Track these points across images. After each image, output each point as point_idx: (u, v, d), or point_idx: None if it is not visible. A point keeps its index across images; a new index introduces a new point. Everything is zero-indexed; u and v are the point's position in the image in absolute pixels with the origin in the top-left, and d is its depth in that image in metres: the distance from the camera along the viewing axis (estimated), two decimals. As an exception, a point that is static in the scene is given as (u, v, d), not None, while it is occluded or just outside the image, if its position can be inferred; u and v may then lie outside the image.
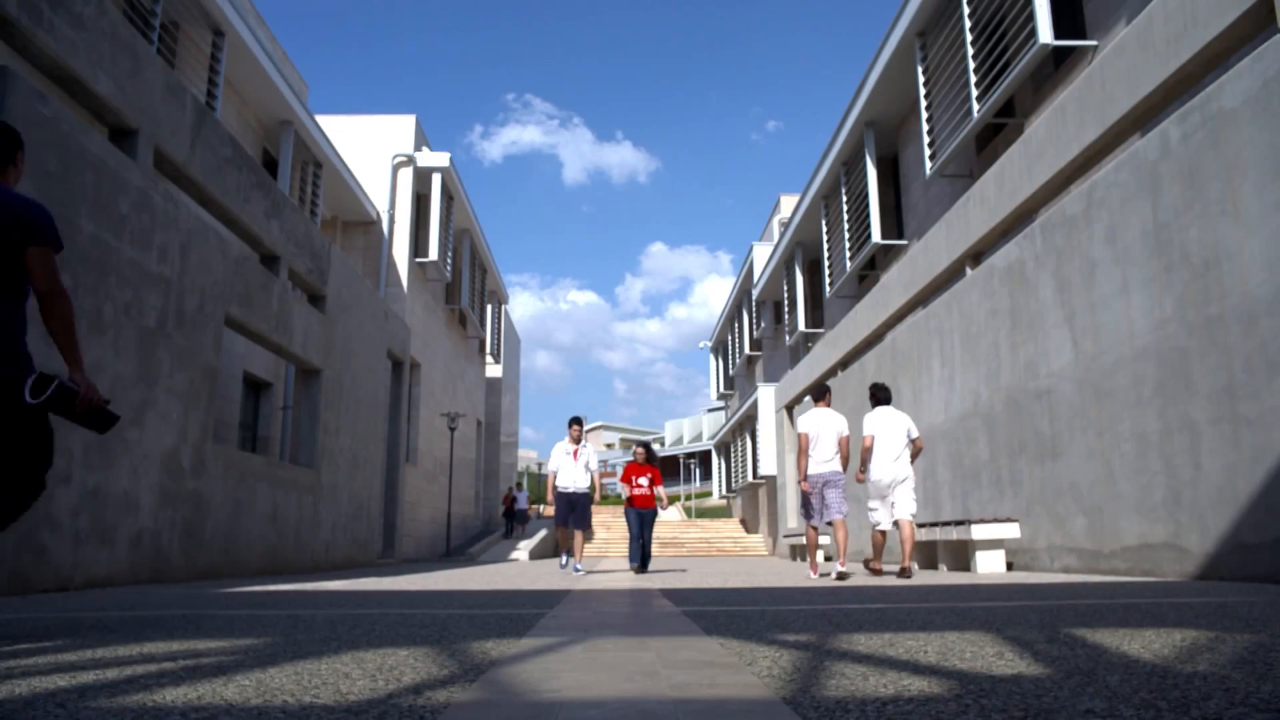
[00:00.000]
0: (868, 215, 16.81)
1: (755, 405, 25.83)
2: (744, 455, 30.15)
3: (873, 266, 18.48)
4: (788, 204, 28.72)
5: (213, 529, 9.75)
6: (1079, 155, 8.31)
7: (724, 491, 37.29)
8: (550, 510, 10.75)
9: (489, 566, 14.54)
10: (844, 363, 16.82)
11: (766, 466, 24.61)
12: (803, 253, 23.11)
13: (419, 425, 22.62)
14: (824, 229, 20.43)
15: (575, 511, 9.81)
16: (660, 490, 10.46)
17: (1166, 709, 1.59)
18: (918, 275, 12.61)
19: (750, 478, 28.36)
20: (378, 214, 21.40)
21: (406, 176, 22.08)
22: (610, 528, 30.44)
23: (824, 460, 8.18)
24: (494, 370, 34.94)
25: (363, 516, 15.45)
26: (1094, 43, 10.60)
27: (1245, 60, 5.97)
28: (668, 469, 64.31)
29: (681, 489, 60.94)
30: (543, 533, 26.88)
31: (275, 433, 16.09)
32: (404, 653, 2.60)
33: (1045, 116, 8.98)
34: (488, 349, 32.30)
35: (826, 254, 20.14)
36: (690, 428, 74.16)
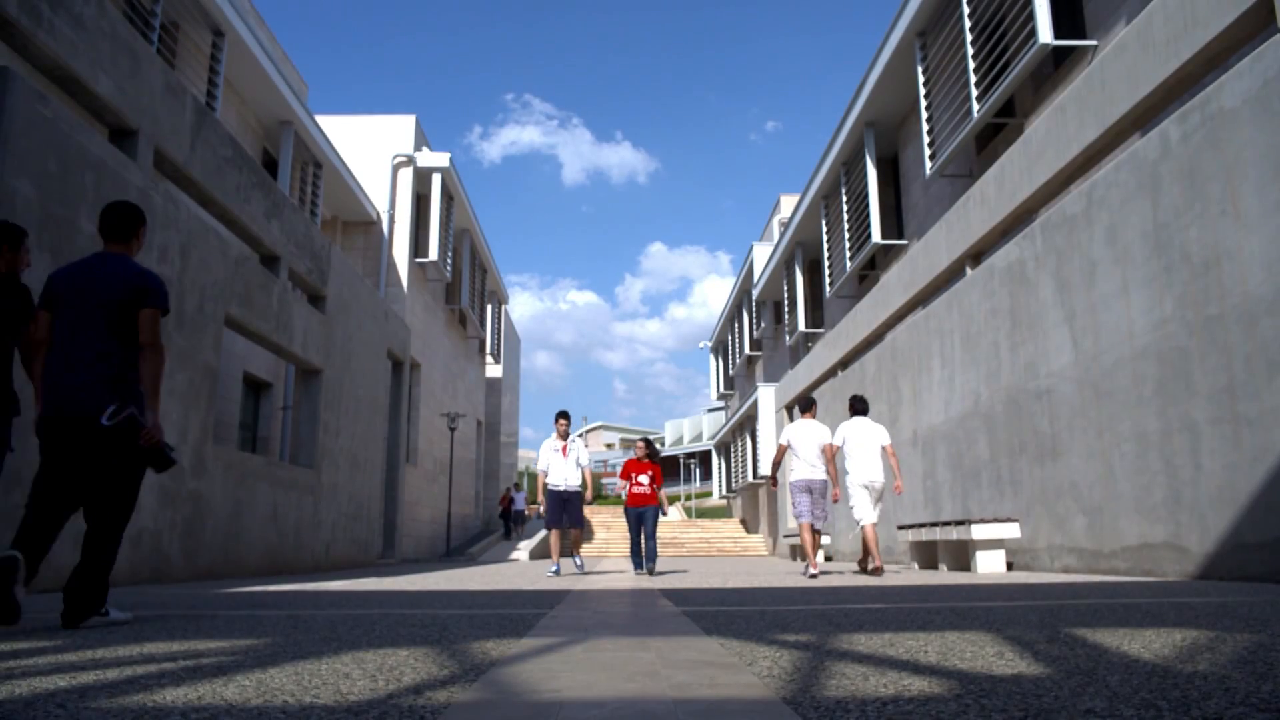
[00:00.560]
0: (868, 215, 16.81)
1: (755, 405, 25.83)
2: (744, 455, 30.15)
3: (873, 266, 18.48)
4: (788, 204, 28.72)
5: (213, 529, 9.75)
6: (1079, 155, 8.31)
7: (724, 492, 37.29)
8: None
9: (489, 567, 14.54)
10: (844, 363, 16.82)
11: (767, 467, 24.61)
12: (803, 253, 23.10)
13: (419, 425, 22.62)
14: (824, 229, 20.43)
15: (569, 510, 9.41)
16: (662, 494, 9.48)
17: (1167, 709, 1.59)
18: (918, 275, 12.60)
19: (750, 478, 28.36)
20: (378, 214, 21.40)
21: (406, 177, 22.08)
22: (610, 528, 30.41)
23: (811, 467, 8.57)
24: (494, 370, 34.94)
25: (363, 517, 15.45)
26: (1094, 43, 10.60)
27: (1245, 60, 5.97)
28: (668, 469, 64.24)
29: (681, 489, 60.94)
30: (543, 533, 26.88)
31: (275, 433, 16.09)
32: (404, 653, 2.60)
33: (1045, 116, 8.98)
34: (488, 349, 32.29)
35: (826, 254, 20.14)
36: (690, 428, 74.15)
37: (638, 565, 9.38)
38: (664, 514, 9.72)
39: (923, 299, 12.77)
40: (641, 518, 9.43)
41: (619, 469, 9.66)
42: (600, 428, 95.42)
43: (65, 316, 3.58)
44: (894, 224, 17.37)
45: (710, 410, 62.27)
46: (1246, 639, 2.60)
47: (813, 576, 8.11)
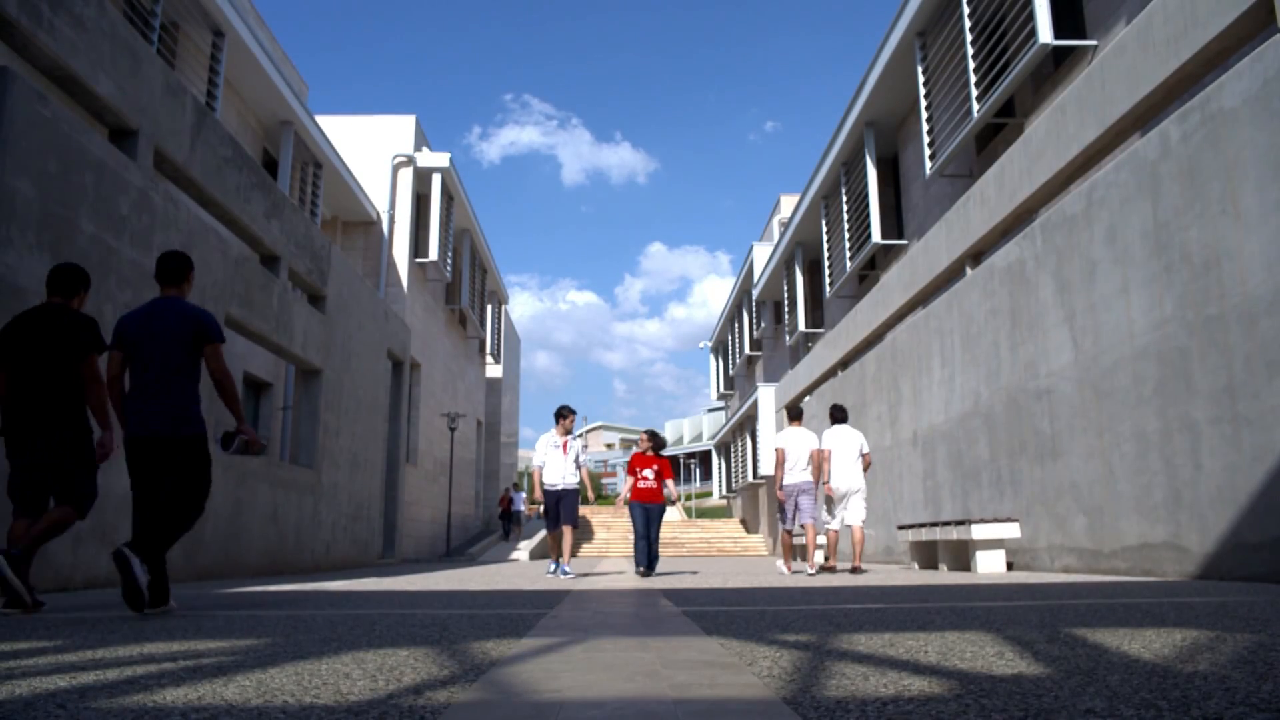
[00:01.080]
0: (868, 215, 16.81)
1: (755, 405, 25.84)
2: (744, 455, 30.16)
3: (873, 266, 18.48)
4: (788, 204, 28.72)
5: (213, 529, 9.75)
6: (1079, 155, 8.31)
7: (724, 491, 37.30)
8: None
9: (489, 567, 14.54)
10: (844, 363, 16.82)
11: (767, 466, 24.61)
12: (803, 253, 23.11)
13: (419, 425, 22.62)
14: (824, 229, 20.43)
15: (564, 508, 8.98)
16: (671, 486, 9.09)
17: (1167, 708, 1.59)
18: (918, 275, 12.61)
19: (750, 478, 28.36)
20: (378, 214, 21.40)
21: (406, 177, 22.09)
22: (610, 528, 30.39)
23: (799, 472, 9.24)
24: (494, 370, 34.94)
25: (363, 517, 15.45)
26: (1094, 42, 10.60)
27: (1245, 60, 5.97)
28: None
29: (682, 489, 60.95)
30: (543, 533, 26.89)
31: (275, 433, 16.10)
32: (404, 653, 2.60)
33: (1045, 116, 8.98)
34: (488, 349, 32.29)
35: (826, 254, 20.14)
36: (690, 428, 74.17)
37: (639, 563, 8.91)
38: (671, 503, 9.14)
39: (923, 299, 12.78)
40: (647, 515, 8.92)
41: (619, 468, 9.17)
42: (600, 428, 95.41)
43: (139, 355, 4.32)
44: (894, 224, 17.37)
45: (710, 410, 62.27)
46: (1247, 639, 2.60)
47: (799, 573, 8.85)
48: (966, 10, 12.41)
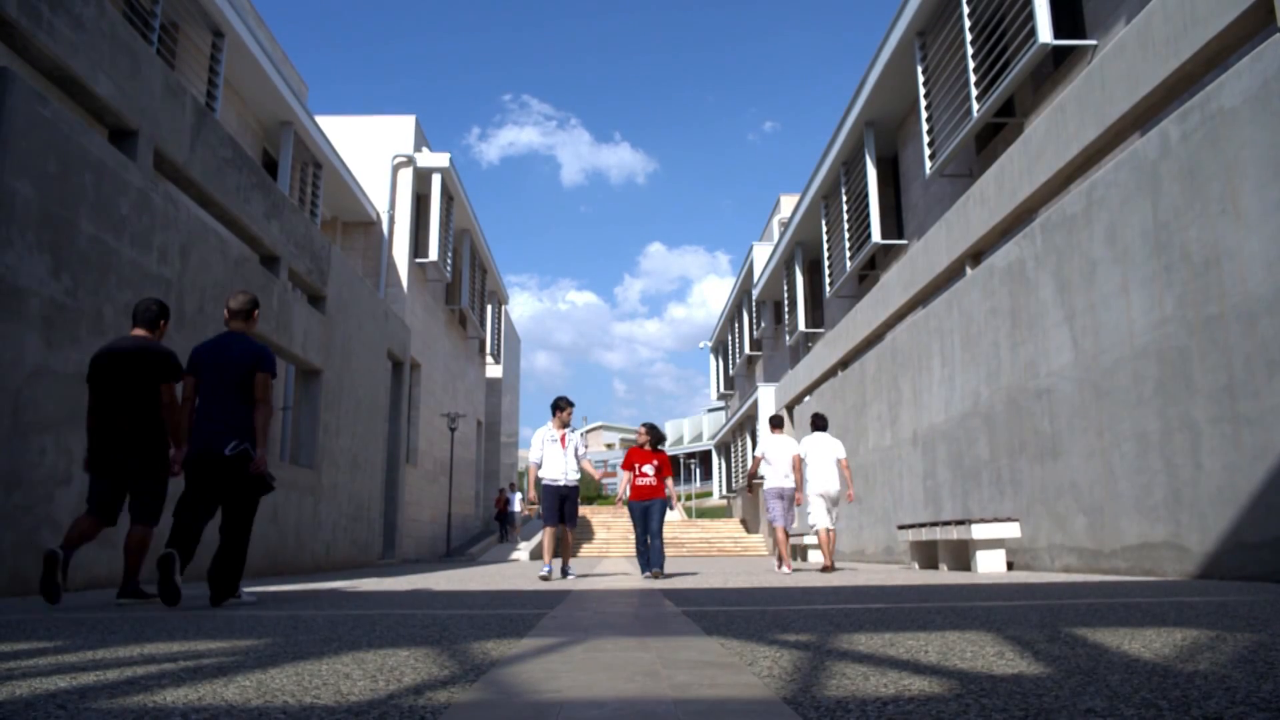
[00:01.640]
0: (868, 215, 16.81)
1: (755, 405, 25.83)
2: (744, 455, 30.15)
3: (873, 266, 18.48)
4: (787, 204, 28.72)
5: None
6: (1079, 155, 8.31)
7: (724, 491, 37.30)
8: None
9: (489, 567, 14.54)
10: (844, 362, 16.82)
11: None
12: (803, 253, 23.11)
13: (419, 425, 22.62)
14: (824, 229, 20.43)
15: (567, 508, 8.53)
16: (670, 485, 8.63)
17: (1167, 708, 1.59)
18: (918, 275, 12.60)
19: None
20: (378, 214, 21.40)
21: (406, 177, 22.08)
22: (610, 528, 30.37)
23: (782, 476, 9.86)
24: (494, 370, 34.94)
25: (363, 517, 15.45)
26: (1094, 42, 10.60)
27: (1245, 59, 5.97)
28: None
29: (682, 489, 60.92)
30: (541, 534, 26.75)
31: (275, 433, 16.09)
32: (404, 653, 2.60)
33: (1045, 116, 8.98)
34: (488, 349, 32.29)
35: (826, 254, 20.14)
36: (690, 428, 74.15)
37: (644, 567, 8.44)
38: (671, 507, 8.62)
39: (923, 299, 12.77)
40: (647, 513, 8.44)
41: (619, 469, 8.80)
42: (600, 428, 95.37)
43: (207, 380, 4.95)
44: (894, 224, 17.37)
45: (710, 410, 62.24)
46: (1247, 638, 2.60)
47: (799, 571, 9.13)
48: (966, 10, 12.41)
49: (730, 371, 35.77)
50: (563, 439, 8.59)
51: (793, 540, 17.02)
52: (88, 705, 1.76)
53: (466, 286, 26.40)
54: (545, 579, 8.22)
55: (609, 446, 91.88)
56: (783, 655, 2.44)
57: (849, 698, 1.76)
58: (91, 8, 7.66)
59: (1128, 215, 7.33)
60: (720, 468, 37.99)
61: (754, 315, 30.38)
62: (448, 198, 23.34)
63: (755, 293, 29.02)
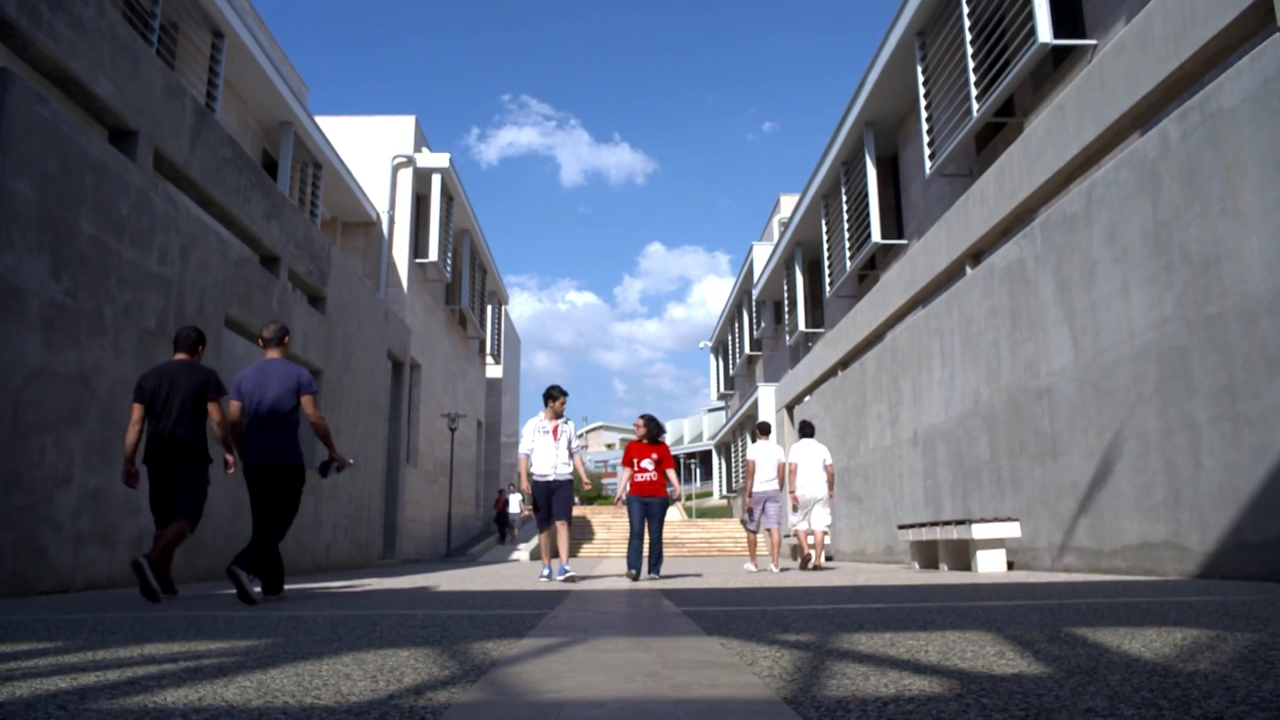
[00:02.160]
0: (868, 215, 16.81)
1: (755, 405, 25.83)
2: (744, 455, 30.15)
3: (873, 266, 18.48)
4: (787, 204, 28.73)
5: (213, 530, 9.75)
6: (1079, 154, 8.30)
7: (724, 491, 37.30)
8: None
9: (490, 567, 14.54)
10: (844, 362, 16.82)
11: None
12: (803, 252, 23.11)
13: (419, 426, 22.62)
14: (824, 229, 20.43)
15: (556, 501, 7.93)
16: (673, 478, 8.17)
17: (1168, 708, 1.59)
18: (918, 275, 12.60)
19: (751, 478, 28.28)
20: (377, 215, 21.40)
21: (406, 177, 22.08)
22: (611, 528, 30.35)
23: (765, 481, 10.31)
24: (494, 371, 34.94)
25: (363, 517, 15.45)
26: (1093, 42, 10.60)
27: (1245, 59, 5.97)
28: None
29: (682, 489, 60.76)
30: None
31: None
32: (405, 653, 2.60)
33: (1045, 115, 8.98)
34: (488, 349, 32.29)
35: (826, 254, 20.14)
36: (690, 428, 74.13)
37: (634, 566, 7.84)
38: (674, 498, 8.22)
39: (923, 298, 12.77)
40: (647, 509, 7.93)
41: (620, 469, 8.63)
42: (600, 428, 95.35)
43: (253, 402, 5.62)
44: (894, 224, 17.37)
45: (710, 410, 62.23)
46: (1247, 638, 2.60)
47: (765, 571, 9.74)
48: (966, 10, 12.41)
49: (730, 371, 35.78)
50: (554, 430, 8.05)
51: (792, 541, 17.03)
52: (88, 706, 1.76)
53: (466, 287, 26.40)
54: (546, 581, 7.87)
55: (609, 446, 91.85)
56: (783, 655, 2.44)
57: (849, 697, 1.76)
58: (91, 8, 7.66)
59: (1128, 215, 7.33)
60: (720, 468, 38.00)
61: (754, 315, 30.39)
62: (447, 198, 23.34)
63: (755, 293, 29.02)
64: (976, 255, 10.87)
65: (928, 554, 11.00)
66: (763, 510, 10.30)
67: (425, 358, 23.01)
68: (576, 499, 8.91)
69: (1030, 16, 10.79)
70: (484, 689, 1.95)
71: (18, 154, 6.50)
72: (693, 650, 2.57)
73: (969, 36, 12.34)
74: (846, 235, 18.10)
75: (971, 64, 12.30)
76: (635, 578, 7.76)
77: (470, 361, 29.99)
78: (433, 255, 22.07)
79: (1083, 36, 10.89)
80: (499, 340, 33.88)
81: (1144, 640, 2.60)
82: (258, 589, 5.50)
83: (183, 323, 9.11)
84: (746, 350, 31.28)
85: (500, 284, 32.75)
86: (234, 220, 10.64)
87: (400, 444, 18.71)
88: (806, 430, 11.06)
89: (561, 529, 7.96)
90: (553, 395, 8.22)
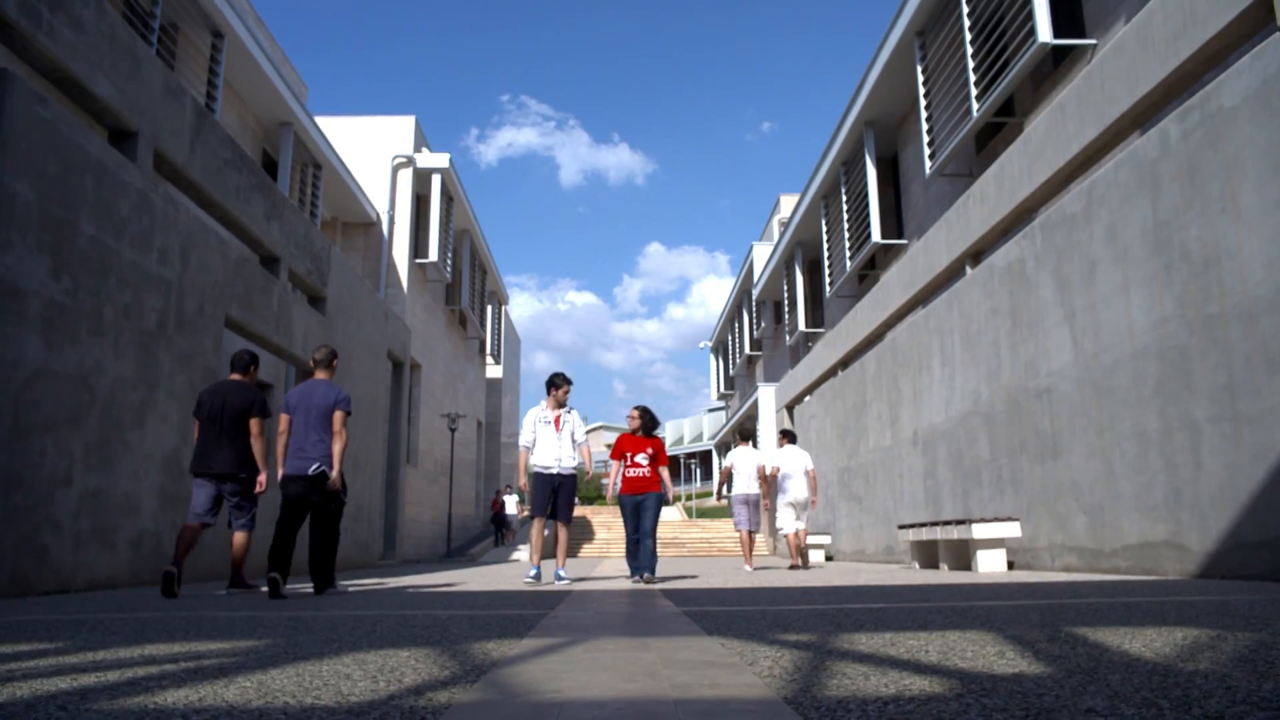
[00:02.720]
0: (867, 215, 16.81)
1: (756, 405, 25.82)
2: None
3: (873, 266, 18.48)
4: (787, 204, 28.72)
5: (213, 531, 9.74)
6: (1079, 154, 8.31)
7: (725, 492, 37.24)
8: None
9: (490, 567, 14.54)
10: (844, 362, 16.82)
11: (768, 466, 24.55)
12: (803, 252, 23.11)
13: (419, 426, 22.62)
14: (824, 229, 20.43)
15: (560, 499, 7.41)
16: (665, 476, 7.55)
17: (1168, 707, 1.59)
18: (918, 275, 12.60)
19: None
20: (377, 215, 21.40)
21: (406, 177, 22.08)
22: (611, 528, 30.36)
23: (747, 485, 11.03)
24: (494, 371, 34.95)
25: (363, 517, 15.45)
26: (1093, 41, 10.60)
27: (1245, 58, 5.97)
28: (669, 469, 63.83)
29: (682, 489, 60.89)
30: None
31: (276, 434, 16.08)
32: (405, 654, 2.60)
33: (1045, 115, 8.98)
34: (488, 349, 32.30)
35: (826, 254, 20.14)
36: (690, 428, 74.16)
37: (634, 570, 7.40)
38: (668, 502, 7.62)
39: (923, 298, 12.77)
40: (640, 509, 7.41)
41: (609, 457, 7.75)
42: (600, 428, 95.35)
43: (298, 417, 6.35)
44: (894, 223, 17.37)
45: (710, 410, 62.27)
46: (1247, 637, 2.60)
47: (750, 572, 10.06)
48: (966, 10, 12.41)
49: (730, 371, 35.77)
50: (556, 421, 7.48)
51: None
52: (88, 706, 1.76)
53: (466, 287, 26.40)
54: (532, 583, 7.31)
55: (609, 447, 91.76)
56: (783, 655, 2.44)
57: (850, 697, 1.76)
58: (91, 9, 7.66)
59: (1127, 214, 7.33)
60: (721, 468, 37.95)
61: (754, 315, 30.38)
62: (447, 198, 23.34)
63: (755, 293, 29.01)
64: (976, 255, 10.87)
65: (928, 554, 11.00)
66: (745, 511, 11.21)
67: (425, 358, 23.01)
68: (576, 499, 8.60)
69: (1030, 16, 10.79)
70: (484, 689, 1.95)
71: (18, 154, 6.50)
72: (693, 650, 2.57)
73: (969, 36, 12.34)
74: (846, 235, 18.10)
75: (971, 64, 12.30)
76: (639, 581, 7.27)
77: (470, 361, 29.99)
78: (433, 255, 22.08)
79: (1082, 36, 10.89)
80: (499, 340, 33.88)
81: (1144, 640, 2.60)
82: (330, 589, 6.53)
83: (183, 323, 9.11)
84: (746, 350, 31.28)
85: (500, 284, 32.76)
86: (234, 221, 10.64)
87: (400, 444, 18.71)
88: (790, 437, 11.85)
89: (561, 532, 7.52)
90: (555, 383, 7.64)
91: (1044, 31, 10.56)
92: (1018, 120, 12.45)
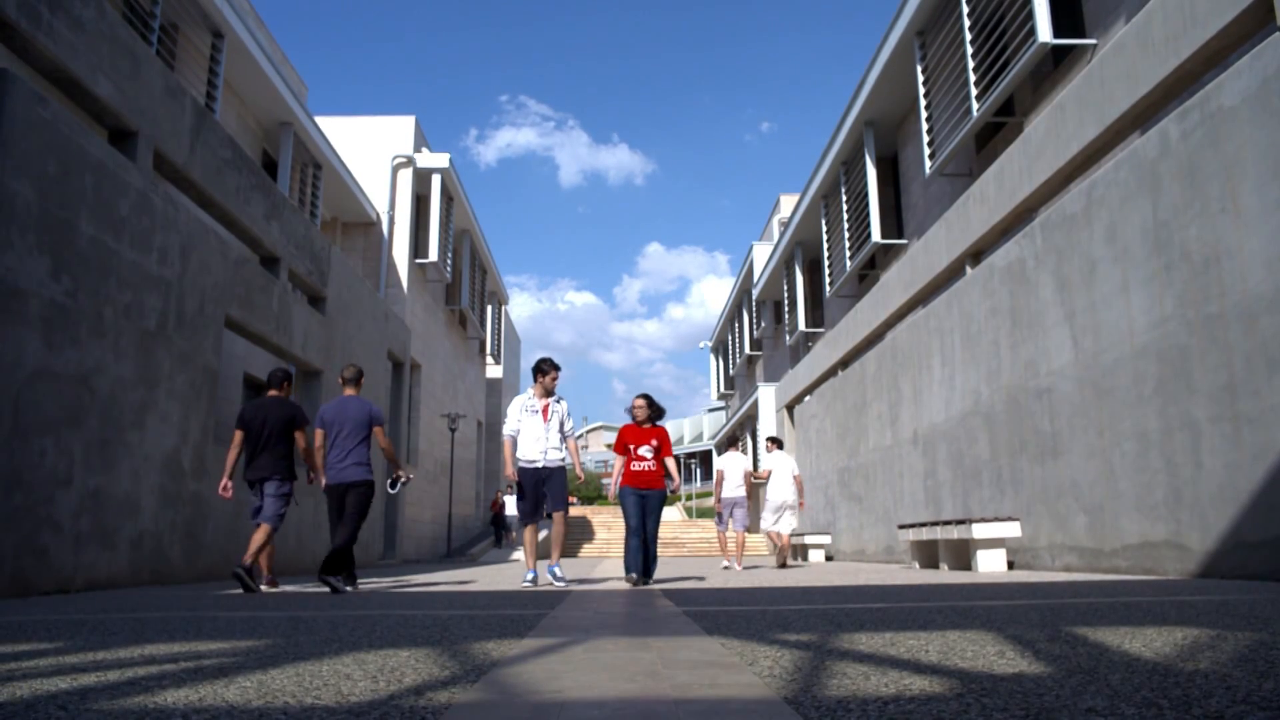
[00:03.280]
0: (867, 215, 16.81)
1: (755, 405, 25.82)
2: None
3: (873, 266, 18.48)
4: (787, 204, 28.72)
5: (214, 530, 9.75)
6: (1079, 154, 8.31)
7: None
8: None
9: (490, 567, 14.54)
10: (844, 362, 16.82)
11: (766, 463, 24.54)
12: (803, 252, 23.11)
13: (419, 426, 22.61)
14: (824, 228, 20.43)
15: (550, 490, 7.03)
16: (671, 466, 7.06)
17: (1168, 707, 1.59)
18: (918, 274, 12.60)
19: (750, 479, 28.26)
20: (377, 215, 21.40)
21: (406, 177, 22.07)
22: (611, 528, 30.33)
23: (734, 489, 11.72)
24: (494, 371, 34.95)
25: (363, 518, 15.44)
26: (1093, 41, 10.60)
27: (1244, 58, 5.97)
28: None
29: (682, 489, 60.85)
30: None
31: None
32: (405, 654, 2.60)
33: (1045, 115, 8.98)
34: (488, 349, 32.29)
35: (826, 253, 20.13)
36: (690, 428, 74.13)
37: (634, 569, 6.84)
38: (672, 489, 7.21)
39: (923, 298, 12.77)
40: (643, 506, 6.90)
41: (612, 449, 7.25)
42: (600, 428, 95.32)
43: (334, 431, 6.92)
44: (894, 223, 17.37)
45: (710, 410, 62.25)
46: (1248, 637, 2.60)
47: (725, 568, 11.03)
48: (966, 9, 12.41)
49: (730, 371, 35.76)
50: (544, 410, 7.04)
51: (794, 541, 17.06)
52: (88, 706, 1.76)
53: (466, 287, 26.39)
54: (530, 587, 6.95)
55: (609, 447, 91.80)
56: (783, 655, 2.44)
57: (850, 697, 1.76)
58: (91, 9, 7.66)
59: (1128, 214, 7.33)
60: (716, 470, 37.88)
61: (754, 315, 30.38)
62: (447, 198, 23.33)
63: (755, 292, 29.01)
64: (976, 255, 10.88)
65: (928, 554, 11.00)
66: (730, 514, 11.74)
67: (425, 358, 23.00)
68: (575, 499, 8.34)
69: (1030, 16, 10.78)
70: (485, 689, 1.95)
71: (18, 154, 6.51)
72: (693, 650, 2.57)
73: (969, 36, 12.34)
74: (846, 235, 18.10)
75: (971, 64, 12.30)
76: (635, 582, 6.80)
77: (470, 361, 29.98)
78: (433, 255, 22.07)
79: (1082, 36, 10.89)
80: (499, 340, 33.88)
81: (1144, 639, 2.60)
82: (349, 588, 6.69)
83: (183, 323, 9.12)
84: (746, 350, 31.27)
85: (500, 284, 32.75)
86: (234, 221, 10.64)
87: (400, 444, 18.71)
88: (777, 444, 12.57)
89: (557, 520, 7.10)
90: (542, 369, 7.16)
91: (1044, 31, 10.56)
92: (1018, 120, 12.45)
